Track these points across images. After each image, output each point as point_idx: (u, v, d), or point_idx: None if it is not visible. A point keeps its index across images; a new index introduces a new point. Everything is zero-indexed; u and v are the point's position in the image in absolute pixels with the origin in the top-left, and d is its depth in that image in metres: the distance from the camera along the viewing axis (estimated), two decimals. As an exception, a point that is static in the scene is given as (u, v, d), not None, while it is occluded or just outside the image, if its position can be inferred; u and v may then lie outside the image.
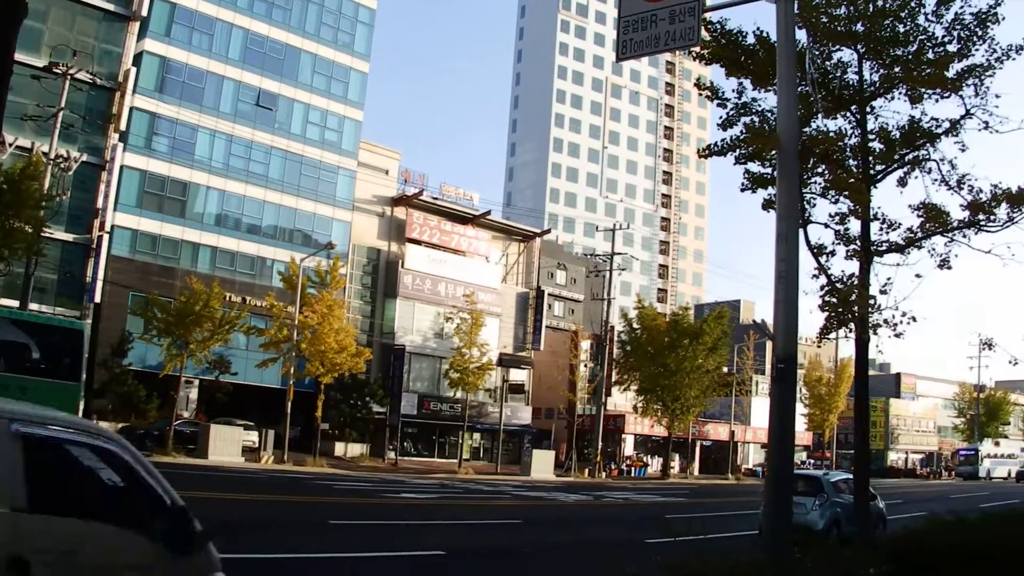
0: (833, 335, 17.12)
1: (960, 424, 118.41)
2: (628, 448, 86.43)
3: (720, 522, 25.71)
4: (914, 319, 14.55)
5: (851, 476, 24.68)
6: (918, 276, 15.22)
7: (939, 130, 15.28)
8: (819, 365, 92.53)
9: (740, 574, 8.55)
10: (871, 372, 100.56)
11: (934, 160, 15.41)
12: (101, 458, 6.41)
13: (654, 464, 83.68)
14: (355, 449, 67.23)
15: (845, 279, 14.48)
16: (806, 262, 14.05)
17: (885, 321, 14.42)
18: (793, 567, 9.47)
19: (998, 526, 14.69)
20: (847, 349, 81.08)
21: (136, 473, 6.55)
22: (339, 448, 65.44)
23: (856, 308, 13.93)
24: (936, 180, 15.41)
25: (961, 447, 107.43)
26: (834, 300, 14.15)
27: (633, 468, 79.72)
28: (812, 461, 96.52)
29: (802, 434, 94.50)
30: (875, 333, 14.37)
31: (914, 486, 75.44)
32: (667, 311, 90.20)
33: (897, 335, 14.48)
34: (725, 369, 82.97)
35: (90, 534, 6.15)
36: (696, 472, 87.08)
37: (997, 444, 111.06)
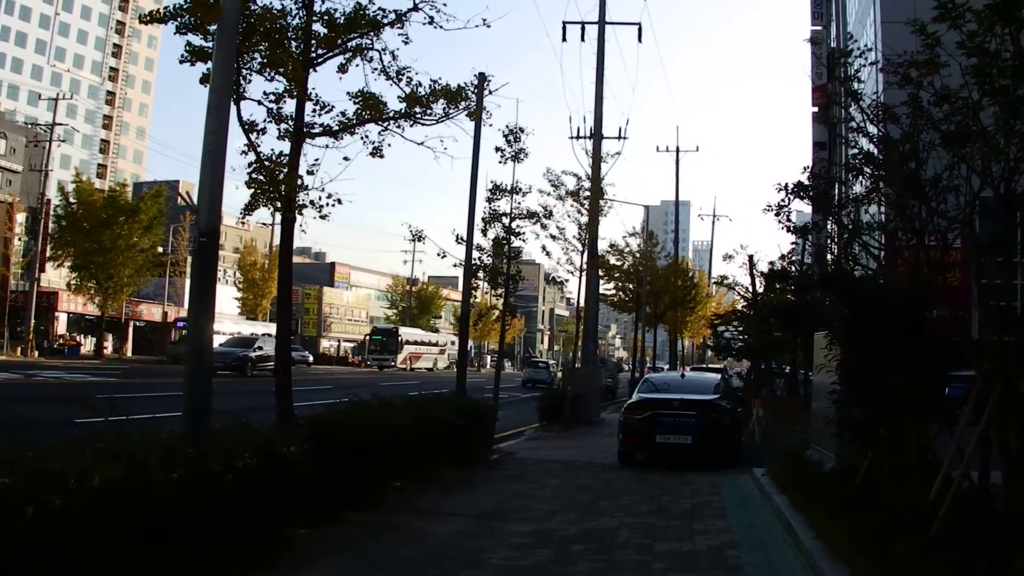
0: (269, 219, 17.09)
1: (392, 315, 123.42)
2: (62, 326, 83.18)
3: (151, 402, 25.22)
4: (339, 201, 14.62)
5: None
6: (346, 159, 15.35)
7: (385, 20, 15.28)
8: (254, 250, 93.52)
9: (159, 446, 8.33)
10: (307, 260, 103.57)
11: (376, 50, 15.45)
12: None
13: (87, 343, 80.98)
14: None
15: (275, 157, 14.33)
16: (239, 138, 13.75)
17: (311, 202, 14.39)
18: (210, 440, 9.36)
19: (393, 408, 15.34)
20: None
21: None
22: None
23: (284, 187, 13.85)
24: (376, 70, 15.47)
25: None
26: (262, 178, 13.96)
27: (66, 347, 76.84)
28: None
29: (236, 318, 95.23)
30: (300, 213, 14.37)
31: (345, 373, 77.73)
32: (106, 187, 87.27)
33: (322, 217, 14.50)
34: (160, 249, 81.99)
35: None
36: (130, 352, 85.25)
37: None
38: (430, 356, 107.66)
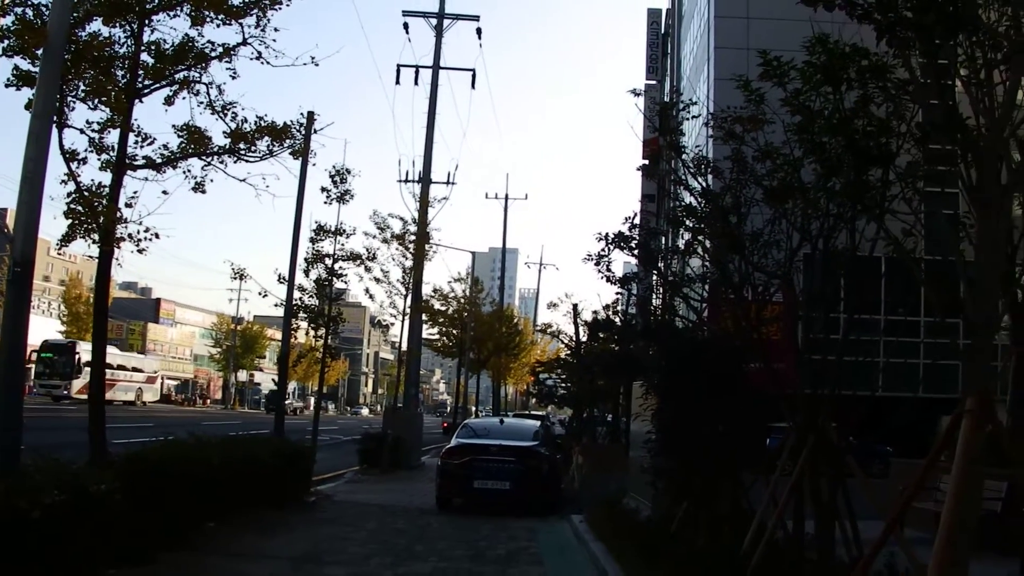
0: (89, 251, 16.72)
1: (217, 354, 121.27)
2: None
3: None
4: (157, 236, 14.51)
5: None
6: (165, 192, 15.10)
7: (213, 53, 15.20)
8: (80, 283, 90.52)
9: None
10: (132, 295, 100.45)
11: (203, 83, 15.38)
12: None
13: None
14: None
15: (95, 188, 14.01)
16: (60, 167, 13.48)
17: (130, 235, 14.18)
18: (18, 476, 9.30)
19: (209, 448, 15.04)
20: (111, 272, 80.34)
21: None
22: None
23: (102, 219, 13.55)
24: (203, 103, 15.40)
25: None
26: (80, 208, 13.64)
27: None
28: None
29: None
30: (118, 246, 14.10)
31: (169, 411, 75.35)
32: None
33: (140, 251, 14.44)
34: (-15, 279, 79.25)
35: None
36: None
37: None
38: (130, 385, 79.91)
